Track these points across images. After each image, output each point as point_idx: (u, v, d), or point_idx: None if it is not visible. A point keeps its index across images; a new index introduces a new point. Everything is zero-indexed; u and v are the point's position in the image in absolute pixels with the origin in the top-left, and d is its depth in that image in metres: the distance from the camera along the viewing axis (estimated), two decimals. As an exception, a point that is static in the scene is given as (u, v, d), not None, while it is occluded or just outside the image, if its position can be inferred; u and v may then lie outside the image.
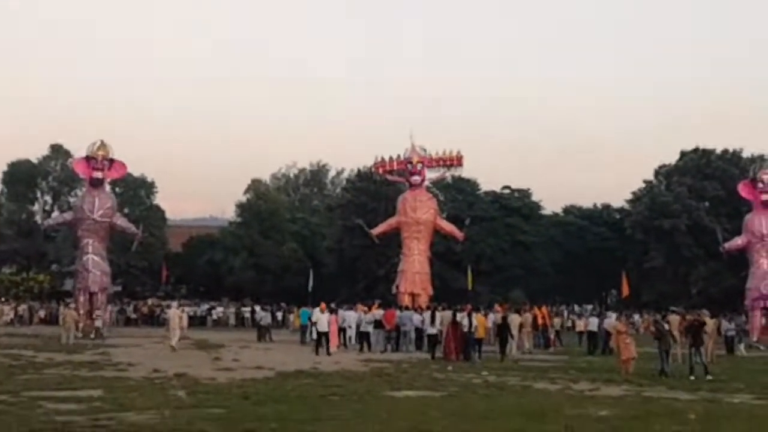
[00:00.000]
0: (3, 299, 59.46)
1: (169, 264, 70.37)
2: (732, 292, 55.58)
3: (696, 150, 72.43)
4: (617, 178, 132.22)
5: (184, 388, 19.51)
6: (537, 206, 77.73)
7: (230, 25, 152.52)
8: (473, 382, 22.04)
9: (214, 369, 24.63)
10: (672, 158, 73.78)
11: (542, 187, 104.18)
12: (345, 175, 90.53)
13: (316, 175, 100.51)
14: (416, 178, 50.61)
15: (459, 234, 53.72)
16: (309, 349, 34.31)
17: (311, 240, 75.89)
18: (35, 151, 78.14)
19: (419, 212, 49.92)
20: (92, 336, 41.11)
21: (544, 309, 41.65)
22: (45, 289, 65.66)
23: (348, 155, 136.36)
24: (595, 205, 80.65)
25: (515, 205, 75.32)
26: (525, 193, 77.67)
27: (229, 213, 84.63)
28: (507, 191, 77.84)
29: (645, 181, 73.74)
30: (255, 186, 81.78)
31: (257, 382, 20.93)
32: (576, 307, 69.19)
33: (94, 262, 48.18)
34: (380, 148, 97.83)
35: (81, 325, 41.61)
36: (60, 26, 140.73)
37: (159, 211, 77.02)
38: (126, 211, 65.48)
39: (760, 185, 49.39)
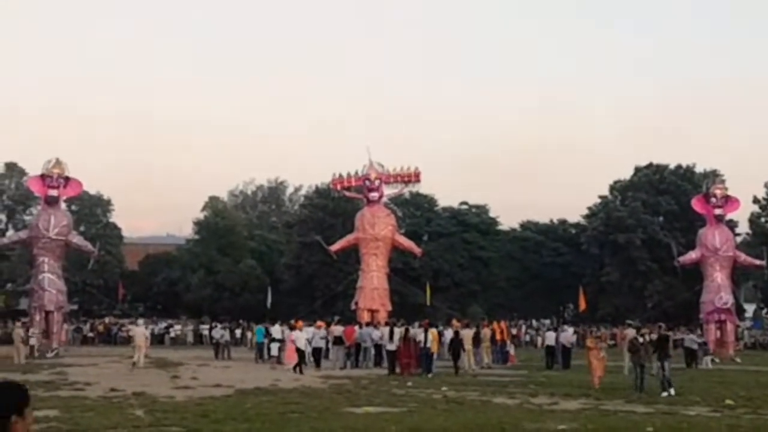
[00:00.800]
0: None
1: (125, 282, 69.87)
2: (686, 306, 56.17)
3: (650, 165, 73.43)
4: (573, 194, 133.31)
5: (142, 406, 19.38)
6: (494, 222, 77.99)
7: (189, 37, 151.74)
8: (433, 398, 22.13)
9: (172, 387, 24.50)
10: (627, 174, 74.77)
11: (499, 202, 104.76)
12: (303, 191, 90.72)
13: (274, 191, 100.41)
14: (374, 195, 50.66)
15: (417, 250, 53.98)
16: (266, 367, 34.26)
17: (269, 257, 75.58)
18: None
19: (377, 228, 49.97)
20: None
21: (503, 324, 41.92)
22: (0, 308, 64.76)
23: (306, 172, 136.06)
24: (551, 220, 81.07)
25: (473, 221, 75.55)
26: (482, 209, 78.00)
27: (187, 230, 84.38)
28: (465, 207, 78.12)
29: (600, 197, 74.47)
30: (212, 203, 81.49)
31: (216, 400, 20.85)
32: (534, 322, 69.67)
33: (50, 280, 47.56)
34: (338, 164, 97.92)
35: (30, 343, 40.71)
36: (15, 39, 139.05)
37: (115, 229, 76.46)
38: (82, 229, 64.95)
39: (713, 200, 50.00)
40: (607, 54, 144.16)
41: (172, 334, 60.46)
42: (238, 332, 54.27)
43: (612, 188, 74.40)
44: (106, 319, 64.85)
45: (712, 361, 39.23)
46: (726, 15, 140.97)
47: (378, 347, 35.21)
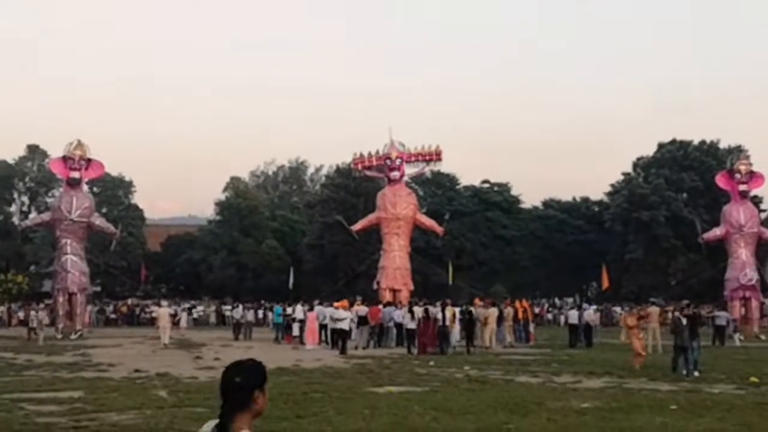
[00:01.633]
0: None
1: (148, 263, 70.14)
2: (711, 283, 55.83)
3: (673, 142, 72.84)
4: (596, 171, 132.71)
5: (165, 387, 19.43)
6: (517, 200, 77.69)
7: (209, 24, 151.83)
8: (455, 377, 22.06)
9: (195, 368, 24.56)
10: (650, 150, 74.29)
11: (522, 180, 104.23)
12: (324, 171, 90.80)
13: (295, 172, 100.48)
14: (395, 174, 50.56)
15: (439, 229, 53.77)
16: (288, 347, 34.34)
17: (291, 237, 75.66)
18: (11, 152, 77.87)
19: (399, 208, 49.90)
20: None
21: (525, 302, 41.78)
22: (23, 290, 65.15)
23: (327, 151, 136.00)
24: (574, 198, 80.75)
25: (495, 200, 75.35)
26: (504, 187, 77.73)
27: (208, 211, 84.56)
28: (486, 185, 77.86)
29: (623, 174, 74.05)
30: (234, 184, 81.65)
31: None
32: (557, 301, 69.45)
33: (73, 262, 47.87)
34: (359, 144, 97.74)
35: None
36: (35, 27, 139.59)
37: (137, 211, 76.83)
38: (104, 211, 65.18)
39: (738, 176, 49.57)
40: (630, 30, 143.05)
41: (195, 315, 60.74)
42: (260, 312, 54.49)
43: (635, 165, 73.90)
44: (129, 301, 65.27)
45: (742, 338, 39.03)
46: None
47: (399, 327, 35.19)
